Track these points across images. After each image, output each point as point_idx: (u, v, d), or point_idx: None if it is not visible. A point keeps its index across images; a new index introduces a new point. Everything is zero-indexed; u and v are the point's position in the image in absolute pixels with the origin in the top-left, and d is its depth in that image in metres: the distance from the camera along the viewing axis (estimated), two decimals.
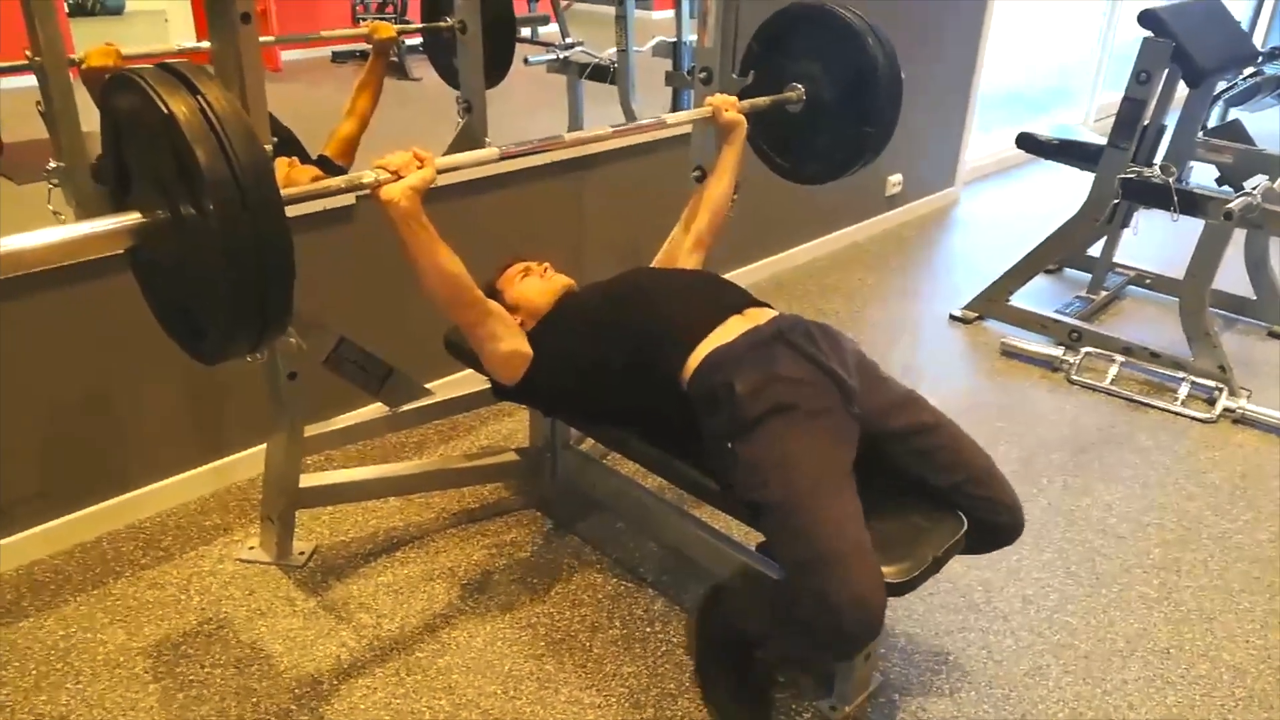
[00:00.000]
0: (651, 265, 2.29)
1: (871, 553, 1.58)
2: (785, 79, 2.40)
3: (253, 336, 1.39)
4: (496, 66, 2.98)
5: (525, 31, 4.82)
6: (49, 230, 1.26)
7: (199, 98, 1.24)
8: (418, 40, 3.39)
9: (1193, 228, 3.17)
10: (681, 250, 2.26)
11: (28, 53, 2.26)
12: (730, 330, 1.84)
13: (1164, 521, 2.55)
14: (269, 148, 1.73)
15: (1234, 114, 4.36)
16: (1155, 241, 3.88)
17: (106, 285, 2.20)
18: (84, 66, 2.34)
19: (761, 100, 2.34)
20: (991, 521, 1.79)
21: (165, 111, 1.22)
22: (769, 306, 1.97)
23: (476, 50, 2.97)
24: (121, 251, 1.43)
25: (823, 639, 1.60)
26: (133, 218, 1.33)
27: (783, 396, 1.72)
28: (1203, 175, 3.79)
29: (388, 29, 2.88)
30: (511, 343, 1.92)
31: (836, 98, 2.36)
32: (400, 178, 1.60)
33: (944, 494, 1.78)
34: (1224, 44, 3.37)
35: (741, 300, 1.96)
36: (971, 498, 1.77)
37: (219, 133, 1.22)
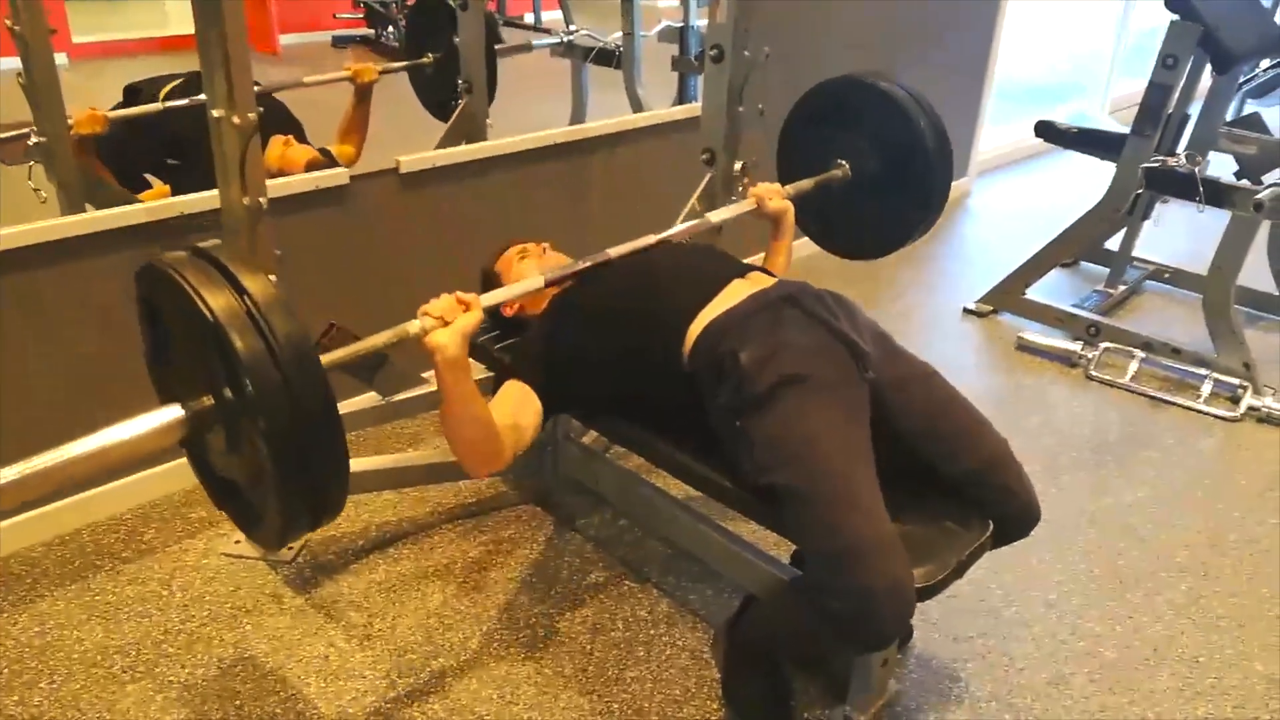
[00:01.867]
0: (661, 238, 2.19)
1: (897, 538, 1.50)
2: (827, 155, 2.32)
3: (307, 520, 1.35)
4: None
5: (529, 17, 4.76)
6: (96, 436, 1.23)
7: (244, 299, 1.19)
8: None
9: (1211, 222, 3.07)
10: None
11: (7, 21, 2.18)
12: (733, 294, 1.74)
13: (1189, 523, 2.45)
14: (253, 116, 1.65)
15: (1250, 106, 4.27)
16: (1175, 235, 3.80)
17: (85, 268, 2.11)
18: (74, 134, 2.37)
19: (806, 183, 2.25)
20: (1004, 512, 1.70)
21: (211, 319, 1.17)
22: (774, 276, 1.88)
23: (477, 29, 2.89)
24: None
25: (857, 631, 1.51)
26: (175, 412, 1.28)
27: (793, 367, 1.62)
28: (1218, 169, 3.69)
29: (370, 72, 2.89)
30: (530, 426, 1.74)
31: (883, 171, 2.28)
32: (447, 324, 1.50)
33: (955, 480, 1.69)
34: (1253, 29, 3.27)
35: (744, 267, 1.87)
36: (983, 485, 1.68)
37: (263, 330, 1.18)
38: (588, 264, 1.82)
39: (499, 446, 1.63)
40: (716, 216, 2.10)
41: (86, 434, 1.24)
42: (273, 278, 1.75)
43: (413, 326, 1.50)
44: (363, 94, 2.87)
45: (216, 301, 1.18)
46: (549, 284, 1.76)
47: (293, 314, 1.21)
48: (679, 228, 2.03)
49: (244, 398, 1.19)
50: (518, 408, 1.73)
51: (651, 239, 1.92)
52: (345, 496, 1.37)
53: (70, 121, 2.33)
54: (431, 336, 1.49)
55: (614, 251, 1.86)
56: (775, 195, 2.13)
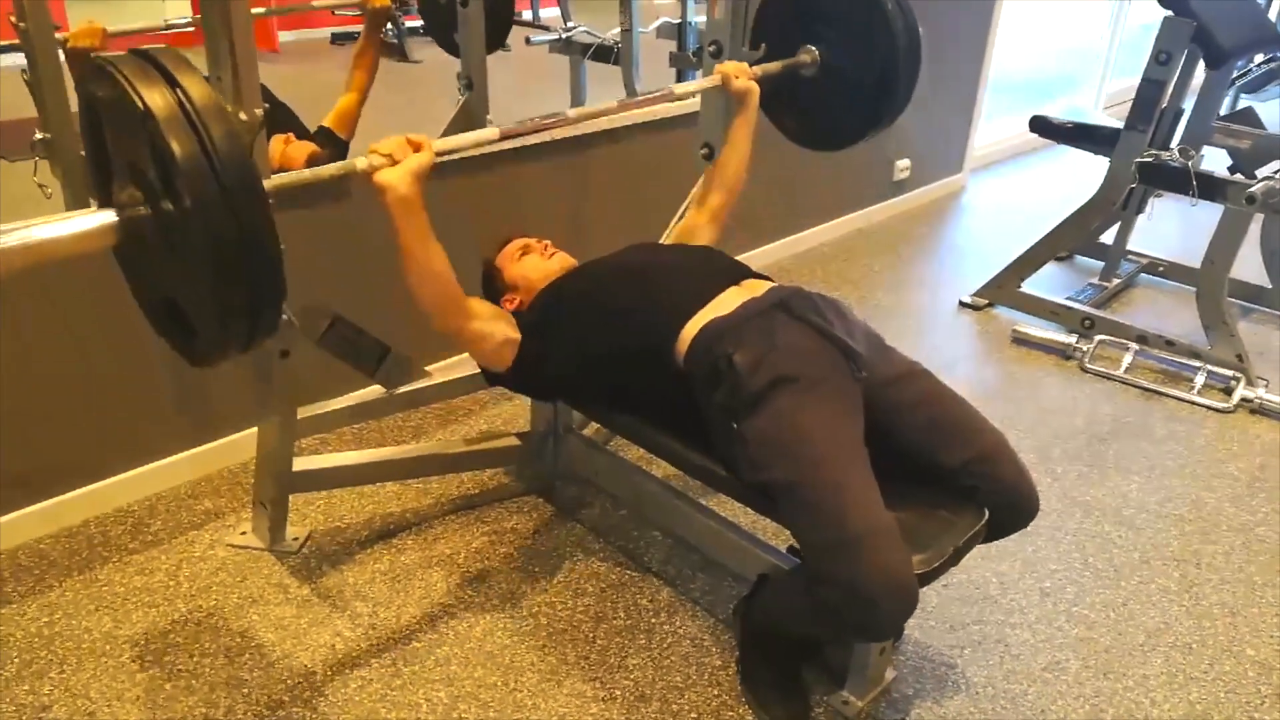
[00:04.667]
0: (658, 241, 2.21)
1: (895, 527, 1.52)
2: (798, 46, 2.31)
3: (242, 336, 1.31)
4: (494, 35, 2.91)
5: (526, 14, 4.77)
6: (23, 230, 1.18)
7: (176, 90, 1.16)
8: (417, 22, 3.33)
9: (1205, 215, 3.10)
10: (696, 225, 2.20)
11: (13, 19, 2.18)
12: (727, 302, 1.77)
13: (1182, 513, 2.48)
14: (259, 112, 1.66)
15: (1244, 101, 4.30)
16: (1168, 229, 3.83)
17: (93, 260, 2.13)
18: (68, 46, 2.29)
19: (773, 65, 2.25)
20: (1002, 503, 1.71)
21: (142, 107, 1.13)
22: (768, 279, 1.90)
23: (478, 26, 2.90)
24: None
25: (857, 622, 1.54)
26: (110, 216, 1.24)
27: (785, 368, 1.64)
28: (1212, 163, 3.72)
29: None
30: (499, 335, 1.86)
31: (853, 62, 2.26)
32: (396, 163, 1.52)
33: (954, 474, 1.70)
34: (1246, 25, 3.30)
35: (739, 271, 1.89)
36: (981, 476, 1.70)
37: (197, 126, 1.14)
38: (549, 124, 1.86)
39: (457, 295, 1.74)
40: (681, 89, 2.12)
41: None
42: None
43: (360, 163, 1.49)
44: (375, 20, 2.82)
45: (153, 98, 1.14)
46: (504, 136, 1.79)
47: (225, 111, 1.18)
48: (644, 96, 2.07)
49: (180, 207, 1.15)
50: (495, 311, 1.86)
51: (612, 103, 1.99)
52: (279, 313, 1.34)
53: (64, 38, 2.27)
54: (380, 175, 1.52)
55: (572, 113, 1.91)
56: (742, 74, 2.15)
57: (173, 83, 1.16)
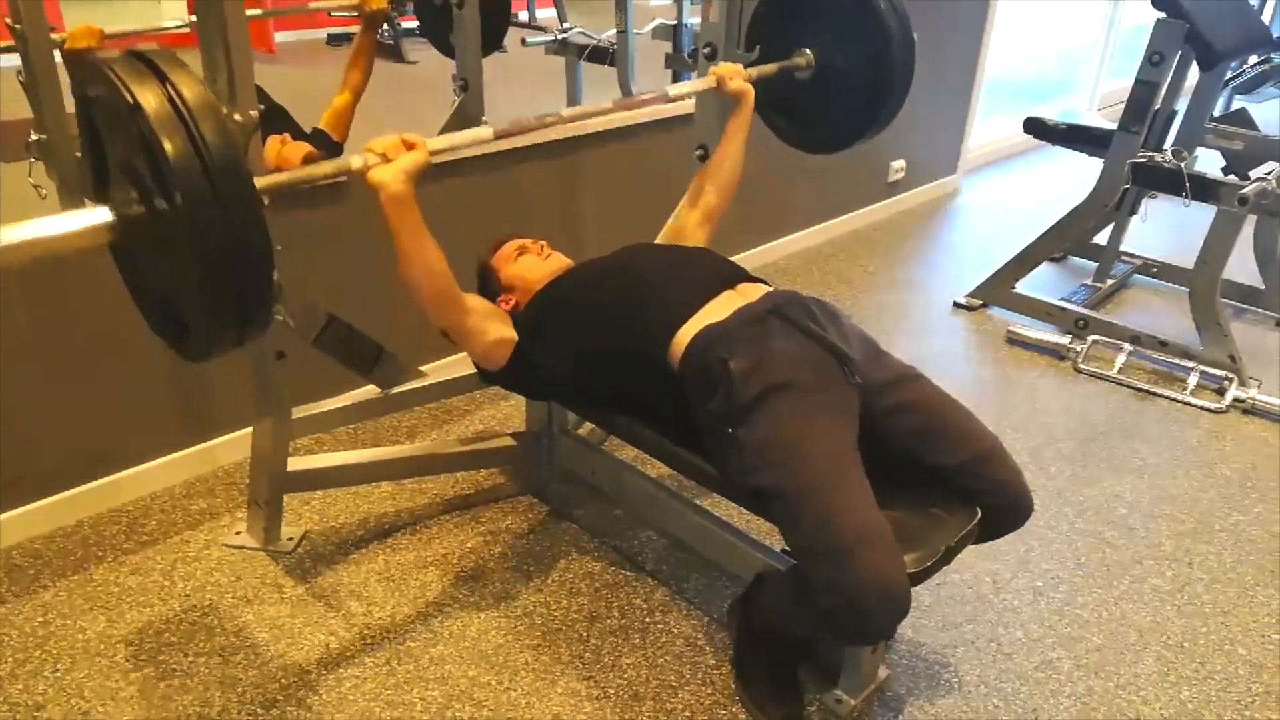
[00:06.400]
0: (654, 242, 2.22)
1: (888, 533, 1.52)
2: (793, 48, 2.31)
3: (233, 332, 1.33)
4: (489, 38, 2.91)
5: (522, 15, 4.77)
6: (18, 227, 1.20)
7: (168, 86, 1.17)
8: (414, 23, 3.33)
9: (1198, 217, 3.11)
10: (688, 226, 2.20)
11: (8, 20, 2.19)
12: (722, 307, 1.77)
13: (1175, 513, 2.49)
14: (254, 113, 1.67)
15: (1238, 102, 4.31)
16: (1161, 230, 3.84)
17: (88, 258, 2.13)
18: (65, 48, 2.29)
19: (769, 67, 2.25)
20: (997, 504, 1.72)
21: (132, 102, 1.15)
22: (764, 282, 1.90)
23: (474, 27, 2.90)
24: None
25: (850, 627, 1.55)
26: (105, 214, 1.26)
27: (779, 374, 1.65)
28: (1206, 164, 3.73)
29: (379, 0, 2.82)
30: (494, 333, 1.87)
31: (847, 63, 2.26)
32: (390, 161, 1.54)
33: (949, 475, 1.71)
34: (1238, 27, 3.31)
35: (733, 274, 1.89)
36: (976, 478, 1.70)
37: (188, 123, 1.16)
38: (544, 123, 1.86)
39: (453, 290, 1.75)
40: (675, 90, 2.12)
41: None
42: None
43: (355, 161, 1.51)
44: (371, 23, 2.83)
45: (144, 96, 1.16)
46: (498, 136, 1.78)
47: (218, 109, 1.20)
48: (640, 96, 2.07)
49: (172, 204, 1.17)
50: (492, 309, 1.87)
51: (608, 103, 1.98)
52: (270, 310, 1.36)
53: (61, 38, 2.28)
54: (374, 173, 1.53)
55: (566, 113, 1.89)
56: (737, 76, 2.15)
57: (164, 80, 1.18)
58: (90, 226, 1.26)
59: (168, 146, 1.14)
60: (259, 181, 1.34)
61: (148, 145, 1.16)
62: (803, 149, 2.50)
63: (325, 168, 1.49)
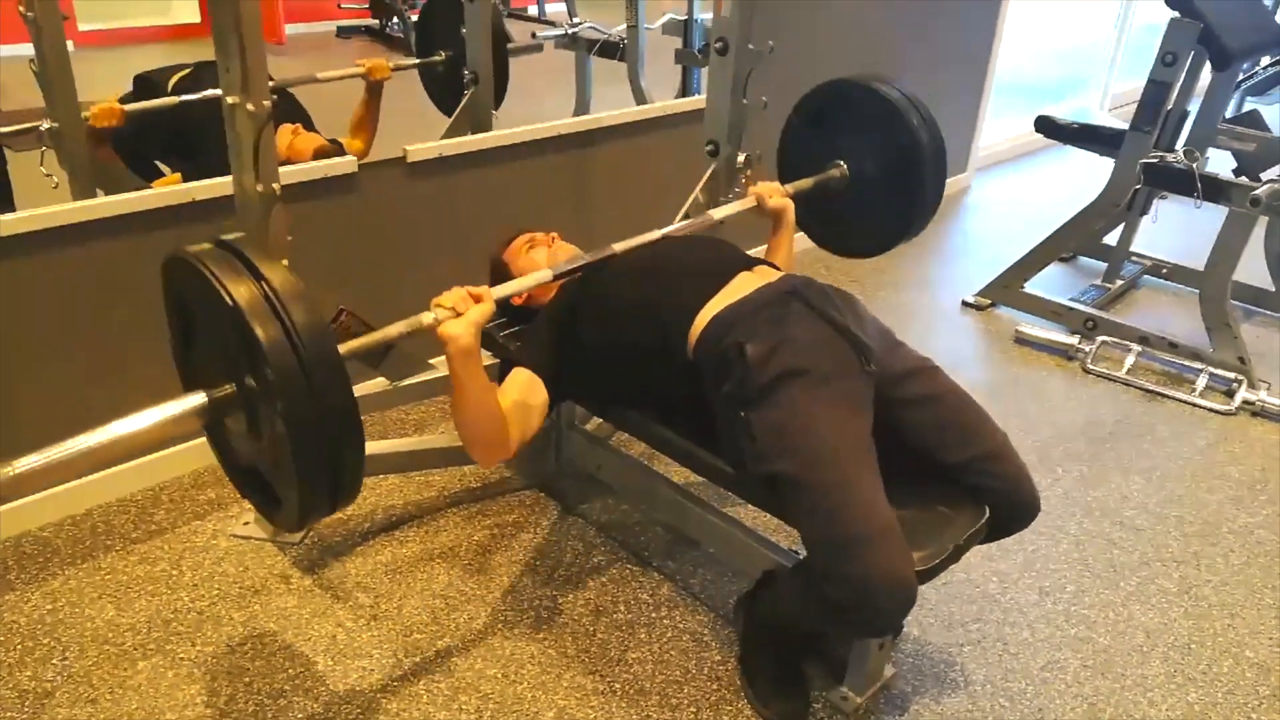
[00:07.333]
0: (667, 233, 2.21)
1: (896, 526, 1.53)
2: (825, 155, 2.35)
3: (325, 504, 1.38)
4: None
5: (532, 10, 4.78)
6: (122, 421, 1.29)
7: (262, 284, 1.25)
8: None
9: (1208, 218, 3.10)
10: None
11: (21, 9, 2.19)
12: (740, 287, 1.77)
13: (1183, 514, 2.49)
14: (268, 104, 1.68)
15: (1249, 104, 4.29)
16: (1172, 231, 3.82)
17: (96, 250, 2.14)
18: (89, 126, 2.37)
19: (805, 182, 2.28)
20: (1005, 502, 1.71)
21: (231, 303, 1.23)
22: (779, 269, 1.90)
23: (486, 19, 2.91)
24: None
25: (858, 619, 1.55)
26: (200, 398, 1.34)
27: (795, 360, 1.64)
28: (1217, 165, 3.72)
29: (384, 69, 2.90)
30: (536, 420, 1.78)
31: (880, 172, 2.31)
32: (459, 315, 1.53)
33: (957, 471, 1.71)
34: (1252, 27, 3.29)
35: (750, 261, 1.89)
36: (985, 474, 1.70)
37: (282, 317, 1.23)
38: (593, 259, 1.85)
39: (506, 436, 1.67)
40: (718, 213, 2.13)
41: (101, 415, 1.28)
42: (284, 262, 1.78)
43: (426, 317, 1.54)
44: (374, 90, 2.88)
45: (239, 291, 1.23)
46: (557, 278, 1.80)
47: (312, 304, 1.25)
48: (681, 224, 2.06)
49: (265, 384, 1.23)
50: (525, 395, 1.76)
51: (655, 234, 1.95)
52: (361, 480, 1.41)
53: (86, 115, 2.34)
54: (444, 327, 1.53)
55: (619, 247, 1.89)
56: (775, 193, 2.16)
57: (257, 275, 1.26)
58: (187, 411, 1.33)
59: (261, 334, 1.21)
60: (342, 348, 1.40)
61: (243, 334, 1.22)
62: (842, 255, 2.61)
63: (399, 327, 1.53)
